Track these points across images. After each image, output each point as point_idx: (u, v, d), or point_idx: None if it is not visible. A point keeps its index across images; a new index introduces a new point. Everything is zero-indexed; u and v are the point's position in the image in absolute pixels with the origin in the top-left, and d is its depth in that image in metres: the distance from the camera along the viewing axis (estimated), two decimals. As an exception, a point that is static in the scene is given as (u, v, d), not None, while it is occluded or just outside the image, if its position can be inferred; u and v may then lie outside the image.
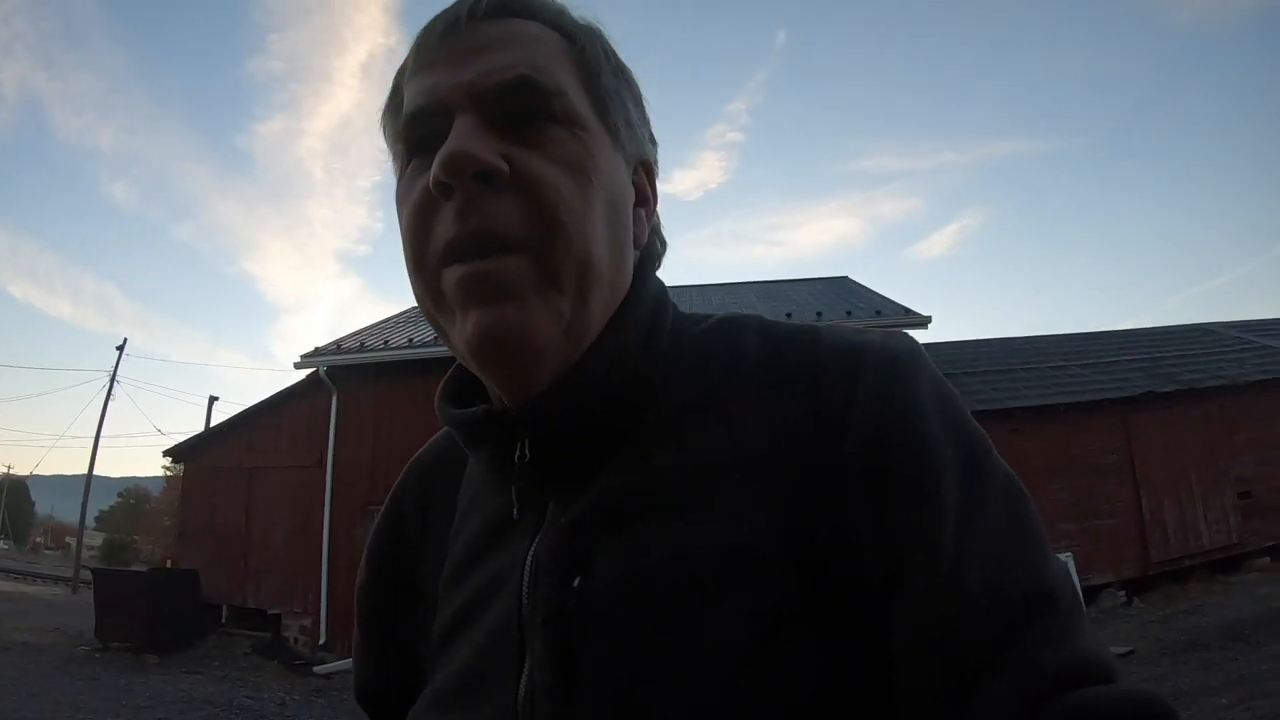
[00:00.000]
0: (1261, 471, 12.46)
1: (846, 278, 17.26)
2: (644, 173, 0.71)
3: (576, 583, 0.56)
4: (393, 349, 12.36)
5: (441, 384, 0.72)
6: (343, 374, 12.54)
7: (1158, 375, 13.31)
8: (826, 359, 0.61)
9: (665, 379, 0.64)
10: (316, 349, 12.98)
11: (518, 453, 0.61)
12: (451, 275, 0.58)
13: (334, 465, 12.33)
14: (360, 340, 13.23)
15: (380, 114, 0.69)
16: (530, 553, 0.60)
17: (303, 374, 13.14)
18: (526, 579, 0.59)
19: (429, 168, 0.58)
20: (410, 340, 12.52)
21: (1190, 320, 18.74)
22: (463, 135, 0.57)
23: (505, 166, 0.57)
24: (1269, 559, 11.88)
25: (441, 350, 11.32)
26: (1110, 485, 11.76)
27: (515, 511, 0.62)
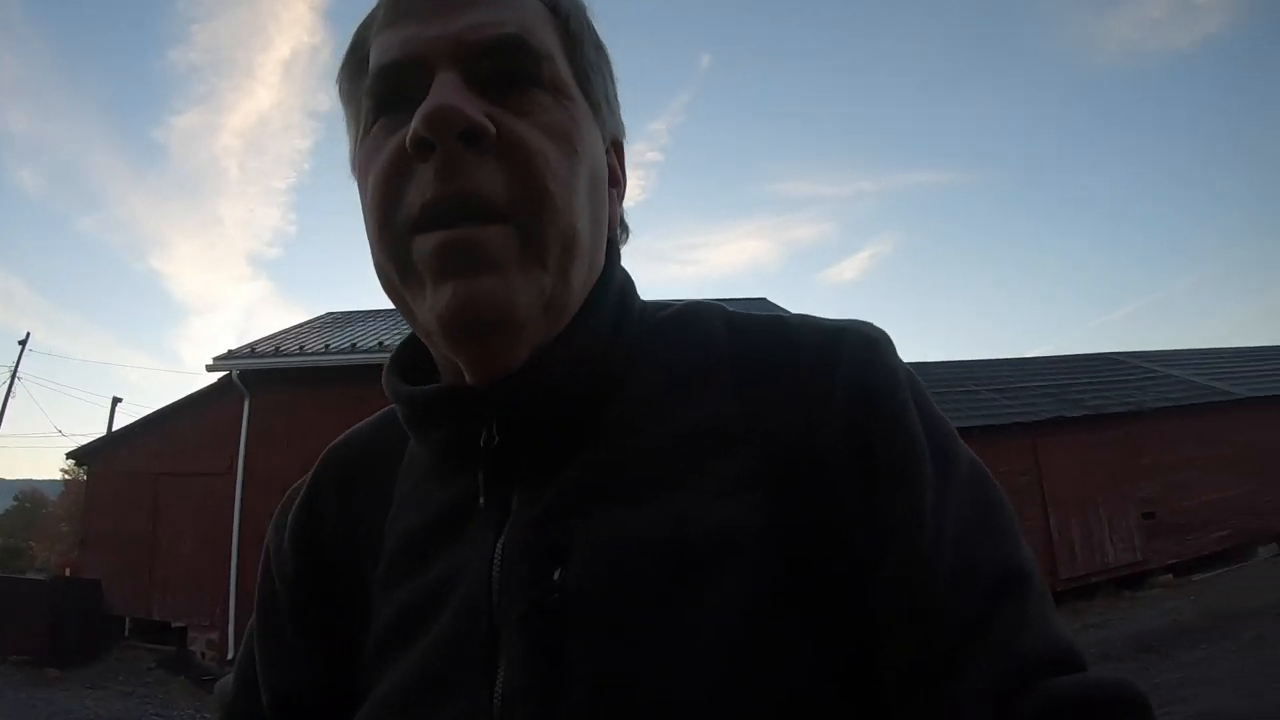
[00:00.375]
0: (1164, 494, 13.08)
1: (765, 299, 17.45)
2: (615, 153, 0.68)
3: (557, 575, 0.52)
4: (309, 354, 11.94)
5: (390, 359, 0.67)
6: (256, 378, 12.03)
7: (1066, 401, 13.79)
8: (801, 347, 0.60)
9: (636, 364, 0.61)
10: (230, 351, 12.45)
11: (484, 436, 0.57)
12: (426, 242, 0.53)
13: (244, 473, 11.84)
14: (275, 344, 12.73)
15: (337, 72, 0.64)
16: (499, 545, 0.56)
17: (214, 377, 12.57)
18: (496, 573, 0.54)
19: (401, 127, 0.54)
20: (327, 346, 12.09)
21: (1097, 349, 19.54)
22: (447, 91, 0.52)
23: (493, 127, 0.53)
24: (1172, 575, 12.49)
25: (360, 357, 11.08)
26: (1020, 505, 12.01)
27: (483, 500, 0.57)
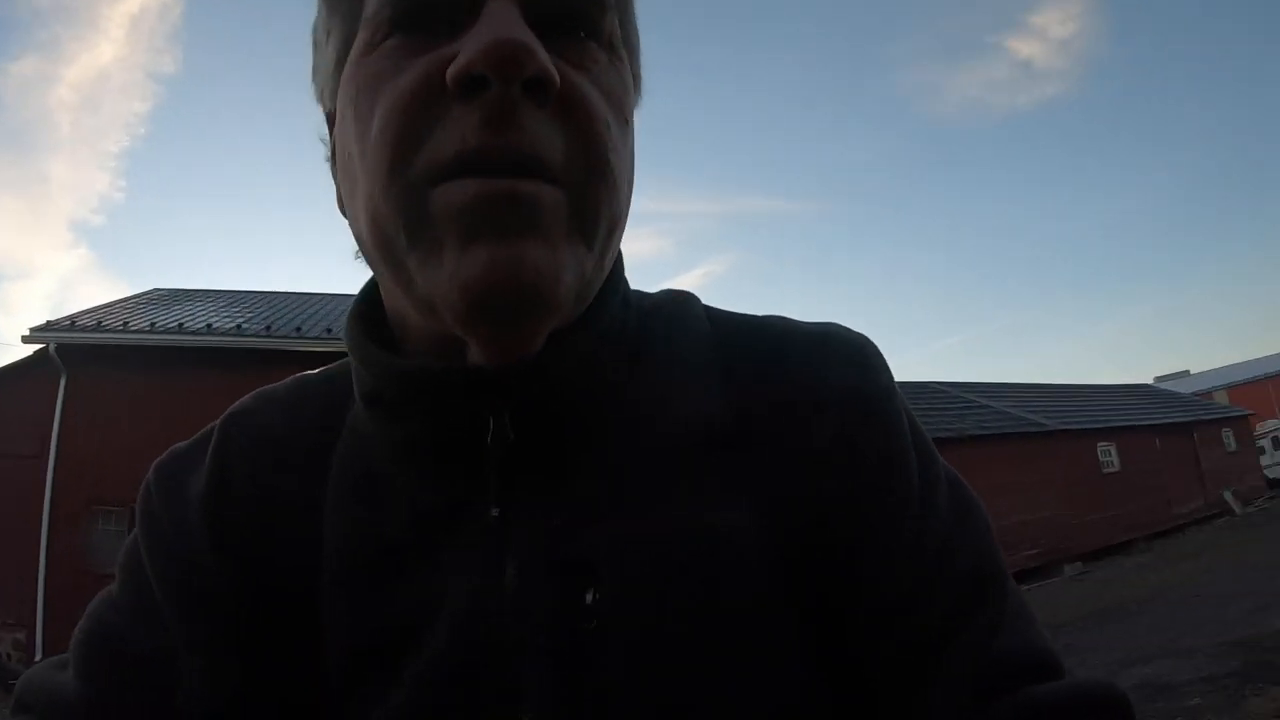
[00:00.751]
0: (980, 515, 14.02)
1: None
2: None
3: (590, 598, 0.47)
4: (134, 332, 11.28)
5: (354, 316, 0.57)
6: (75, 354, 11.25)
7: (890, 423, 14.49)
8: (788, 347, 0.58)
9: (638, 358, 0.57)
10: (49, 323, 11.60)
11: (493, 431, 0.49)
12: (458, 192, 0.43)
13: (57, 457, 11.03)
14: (97, 318, 11.94)
15: None
16: (509, 561, 0.49)
17: (28, 350, 11.66)
18: (511, 594, 0.48)
19: (428, 50, 0.45)
20: (152, 324, 11.47)
21: (921, 378, 20.84)
22: (511, 23, 0.43)
23: (558, 79, 0.44)
24: (987, 590, 13.41)
25: (187, 339, 10.51)
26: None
27: (497, 511, 0.50)
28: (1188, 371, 60.95)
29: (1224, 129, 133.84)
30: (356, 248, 0.56)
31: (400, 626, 0.49)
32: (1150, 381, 42.32)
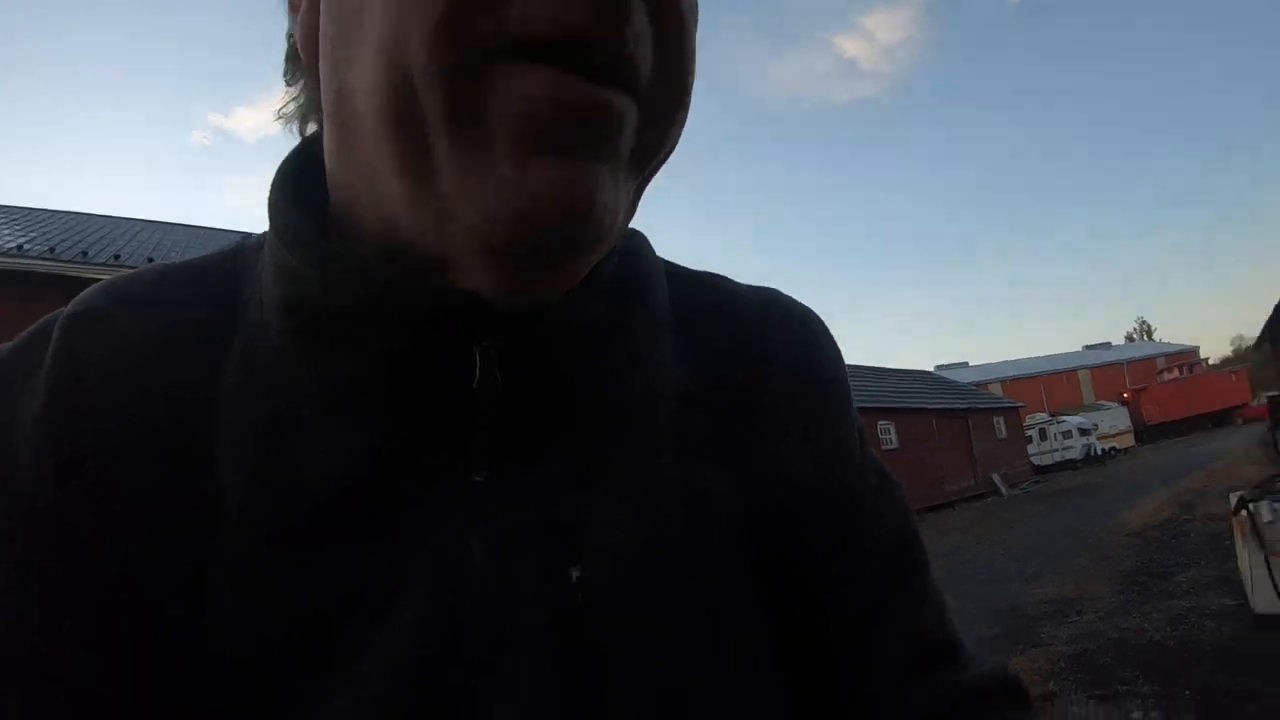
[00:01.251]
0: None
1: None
2: None
3: (576, 574, 0.41)
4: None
5: (287, 204, 0.44)
6: None
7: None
8: (740, 309, 0.55)
9: (622, 303, 0.48)
10: None
11: (479, 375, 0.41)
12: (533, 82, 0.34)
13: None
14: None
15: None
16: (491, 526, 0.41)
17: None
18: (480, 570, 0.40)
19: None
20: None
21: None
22: None
23: None
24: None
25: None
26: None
27: (482, 477, 0.42)
28: (967, 363, 66.35)
29: (1022, 147, 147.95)
30: (290, 109, 0.49)
31: (329, 618, 0.39)
32: (931, 369, 45.73)
